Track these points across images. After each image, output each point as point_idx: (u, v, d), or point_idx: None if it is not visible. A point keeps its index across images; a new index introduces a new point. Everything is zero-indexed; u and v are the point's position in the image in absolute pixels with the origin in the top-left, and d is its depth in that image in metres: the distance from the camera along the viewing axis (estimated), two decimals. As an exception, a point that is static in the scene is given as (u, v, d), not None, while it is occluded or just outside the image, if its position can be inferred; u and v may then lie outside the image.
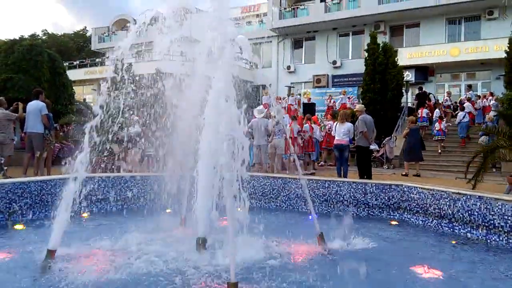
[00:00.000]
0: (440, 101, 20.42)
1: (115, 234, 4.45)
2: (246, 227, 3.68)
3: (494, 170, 12.50)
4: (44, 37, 41.67)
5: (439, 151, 15.33)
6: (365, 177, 8.95)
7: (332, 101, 20.97)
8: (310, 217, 6.00)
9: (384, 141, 14.46)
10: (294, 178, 6.83)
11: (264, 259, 3.87)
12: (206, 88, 4.17)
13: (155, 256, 3.81)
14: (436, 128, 15.60)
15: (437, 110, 17.55)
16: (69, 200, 3.71)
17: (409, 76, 22.90)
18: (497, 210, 4.61)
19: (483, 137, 12.78)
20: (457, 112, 17.27)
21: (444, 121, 16.15)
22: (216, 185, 3.76)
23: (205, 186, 3.93)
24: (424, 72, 24.30)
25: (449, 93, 20.24)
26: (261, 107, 10.58)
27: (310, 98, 22.40)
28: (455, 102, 19.94)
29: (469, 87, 20.93)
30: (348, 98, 21.59)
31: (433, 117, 16.99)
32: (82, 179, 3.76)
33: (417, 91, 21.17)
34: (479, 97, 19.35)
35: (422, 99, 19.24)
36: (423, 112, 16.95)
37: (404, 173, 11.81)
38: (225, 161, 3.35)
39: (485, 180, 9.85)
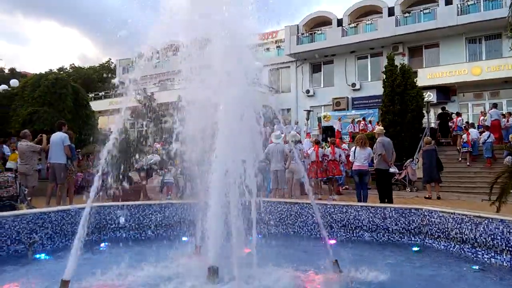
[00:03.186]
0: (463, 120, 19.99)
1: (131, 264, 4.46)
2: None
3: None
4: (70, 71, 43.31)
5: (468, 163, 15.23)
6: (386, 200, 8.76)
7: (353, 126, 20.96)
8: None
9: (406, 163, 14.19)
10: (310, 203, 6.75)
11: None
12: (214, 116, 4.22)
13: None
14: (464, 140, 15.39)
15: (460, 119, 17.37)
16: (81, 229, 3.76)
17: (430, 96, 22.65)
18: (520, 233, 4.42)
19: (508, 157, 12.38)
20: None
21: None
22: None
23: (217, 212, 3.92)
24: (446, 92, 23.95)
25: (483, 113, 19.67)
26: (278, 132, 10.61)
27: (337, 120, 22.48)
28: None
29: (494, 106, 20.41)
30: (370, 122, 21.42)
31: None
32: (90, 208, 3.80)
33: (439, 111, 20.83)
34: (503, 115, 18.85)
35: (444, 119, 18.90)
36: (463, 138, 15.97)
37: (427, 196, 11.50)
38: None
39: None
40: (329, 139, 12.21)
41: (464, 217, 5.17)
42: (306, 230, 6.66)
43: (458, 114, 19.27)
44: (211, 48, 4.57)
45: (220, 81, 4.51)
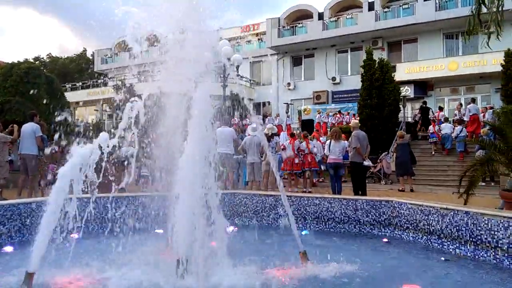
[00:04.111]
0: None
1: (100, 256, 4.42)
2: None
3: (492, 184, 12.42)
4: (47, 60, 42.24)
5: (433, 152, 16.19)
6: (360, 193, 8.90)
7: (328, 118, 21.14)
8: (302, 233, 5.99)
9: (381, 157, 14.42)
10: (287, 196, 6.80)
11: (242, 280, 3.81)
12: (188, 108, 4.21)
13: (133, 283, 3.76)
14: (431, 131, 16.21)
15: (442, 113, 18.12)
16: (47, 221, 3.70)
17: (408, 91, 23.04)
18: (483, 225, 4.56)
19: (479, 151, 12.70)
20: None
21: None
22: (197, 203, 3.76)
23: (185, 203, 3.91)
24: (423, 86, 24.40)
25: (459, 106, 20.17)
26: (254, 125, 10.62)
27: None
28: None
29: (473, 101, 20.78)
30: (347, 113, 21.67)
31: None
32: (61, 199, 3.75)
33: (416, 106, 21.20)
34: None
35: (426, 113, 19.22)
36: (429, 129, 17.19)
37: (400, 189, 11.74)
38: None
39: (483, 194, 9.83)
40: (301, 133, 12.26)
41: (431, 209, 5.29)
42: (280, 222, 6.72)
43: (440, 109, 19.68)
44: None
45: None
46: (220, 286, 3.65)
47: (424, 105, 20.22)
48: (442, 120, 17.95)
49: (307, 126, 20.40)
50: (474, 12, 5.90)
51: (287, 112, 24.26)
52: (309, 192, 11.02)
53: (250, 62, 30.54)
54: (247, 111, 19.59)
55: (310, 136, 14.11)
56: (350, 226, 6.30)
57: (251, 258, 4.45)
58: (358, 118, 16.33)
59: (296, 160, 11.19)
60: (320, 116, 21.97)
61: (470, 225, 4.72)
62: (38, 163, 8.91)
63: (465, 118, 17.14)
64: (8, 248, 5.19)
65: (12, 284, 3.75)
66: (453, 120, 18.03)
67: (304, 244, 4.46)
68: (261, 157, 10.25)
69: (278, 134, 13.57)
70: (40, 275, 3.71)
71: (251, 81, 30.93)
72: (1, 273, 4.13)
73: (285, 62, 29.89)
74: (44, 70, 16.05)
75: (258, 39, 32.04)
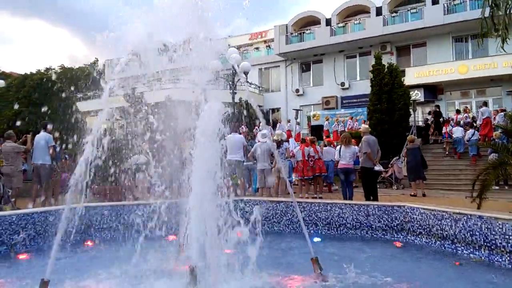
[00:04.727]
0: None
1: (113, 265, 4.46)
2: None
3: (506, 187, 12.26)
4: (59, 71, 42.84)
5: (446, 152, 16.26)
6: (371, 198, 8.85)
7: (340, 125, 21.05)
8: (314, 239, 5.95)
9: (392, 161, 14.32)
10: (297, 202, 6.79)
11: None
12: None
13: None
14: (443, 131, 16.48)
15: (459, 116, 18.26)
16: (61, 229, 3.75)
17: (418, 95, 22.88)
18: (498, 229, 4.50)
19: (492, 154, 12.55)
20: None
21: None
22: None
23: (198, 210, 3.93)
24: (433, 90, 24.21)
25: (467, 110, 20.03)
26: (264, 131, 10.64)
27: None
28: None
29: (484, 104, 20.52)
30: (356, 119, 21.61)
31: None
32: (69, 208, 3.80)
33: (426, 110, 21.03)
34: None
35: (438, 117, 19.05)
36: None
37: (412, 193, 11.63)
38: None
39: (497, 198, 9.69)
40: (308, 138, 12.20)
41: (444, 213, 5.25)
42: (292, 228, 6.71)
43: (458, 112, 19.54)
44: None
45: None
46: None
47: (437, 109, 20.07)
48: (455, 123, 17.78)
49: (317, 131, 20.37)
50: (484, 15, 5.86)
51: (296, 118, 24.22)
52: (320, 198, 10.97)
53: (259, 69, 30.62)
54: (254, 118, 19.65)
55: (324, 142, 14.10)
56: (362, 231, 6.26)
57: (263, 265, 4.44)
58: (368, 123, 16.26)
59: (307, 167, 11.15)
60: (329, 123, 21.87)
61: (484, 229, 4.67)
62: (51, 173, 9.02)
63: (478, 122, 16.97)
64: (23, 256, 5.26)
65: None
66: (463, 123, 17.86)
67: (316, 250, 4.44)
68: (271, 163, 10.25)
69: (287, 140, 13.54)
70: (54, 282, 3.76)
71: (260, 88, 31.00)
72: (16, 281, 4.19)
73: (294, 69, 29.92)
74: (56, 81, 16.27)
75: (266, 46, 32.14)
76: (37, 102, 13.59)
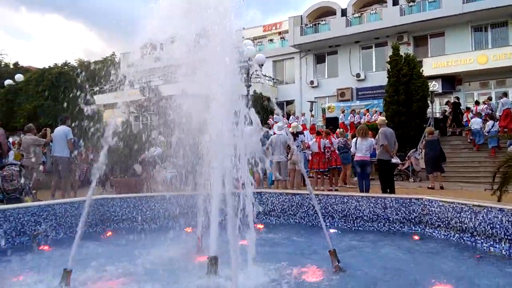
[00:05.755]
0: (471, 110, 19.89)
1: (131, 257, 4.54)
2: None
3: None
4: (75, 65, 43.41)
5: (469, 140, 16.22)
6: (388, 191, 8.78)
7: (355, 116, 20.85)
8: (331, 231, 5.94)
9: (409, 154, 14.16)
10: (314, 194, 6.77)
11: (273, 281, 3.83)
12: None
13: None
14: (464, 120, 16.56)
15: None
16: (82, 220, 3.83)
17: (435, 86, 22.49)
18: (519, 222, 4.42)
19: (511, 146, 12.30)
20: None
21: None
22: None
23: (217, 202, 3.96)
24: (452, 81, 23.76)
25: (488, 100, 19.66)
26: (281, 123, 10.62)
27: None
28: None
29: (504, 95, 20.08)
30: (374, 110, 21.37)
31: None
32: (90, 200, 3.86)
33: (444, 101, 20.68)
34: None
35: (457, 109, 18.75)
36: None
37: (430, 186, 11.49)
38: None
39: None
40: (323, 130, 12.16)
41: (463, 206, 5.17)
42: (308, 220, 6.70)
43: (477, 103, 19.21)
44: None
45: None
46: (249, 285, 3.69)
47: (456, 101, 19.74)
48: (475, 114, 17.48)
49: (332, 123, 20.24)
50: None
51: (311, 111, 24.09)
52: (336, 190, 10.93)
53: (273, 61, 30.47)
54: (267, 112, 19.54)
55: (341, 131, 13.98)
56: (379, 224, 6.22)
57: (280, 257, 4.47)
58: (384, 115, 16.08)
59: (323, 159, 11.11)
60: (344, 116, 21.69)
61: (505, 222, 4.59)
62: (69, 165, 9.19)
63: (498, 113, 16.63)
64: (45, 247, 5.39)
65: (50, 281, 3.89)
66: (482, 114, 17.51)
67: (333, 243, 4.44)
68: (287, 155, 10.23)
69: (302, 132, 13.49)
70: (77, 271, 3.85)
71: (274, 80, 30.89)
72: (39, 271, 4.29)
73: (308, 60, 29.70)
74: (74, 74, 16.50)
75: (281, 38, 31.95)
76: (56, 96, 13.83)
